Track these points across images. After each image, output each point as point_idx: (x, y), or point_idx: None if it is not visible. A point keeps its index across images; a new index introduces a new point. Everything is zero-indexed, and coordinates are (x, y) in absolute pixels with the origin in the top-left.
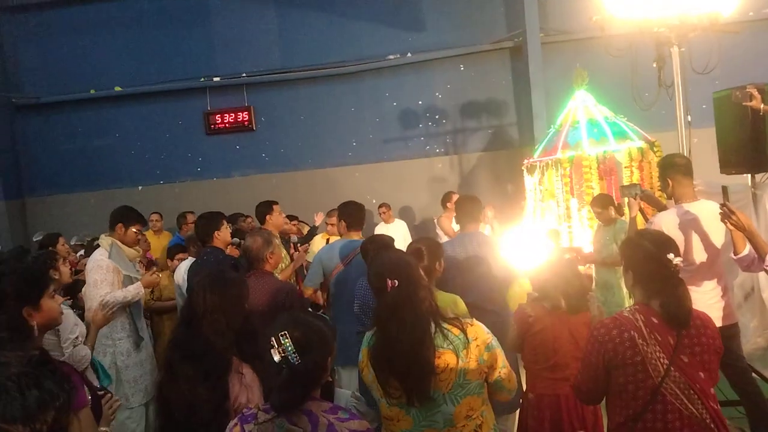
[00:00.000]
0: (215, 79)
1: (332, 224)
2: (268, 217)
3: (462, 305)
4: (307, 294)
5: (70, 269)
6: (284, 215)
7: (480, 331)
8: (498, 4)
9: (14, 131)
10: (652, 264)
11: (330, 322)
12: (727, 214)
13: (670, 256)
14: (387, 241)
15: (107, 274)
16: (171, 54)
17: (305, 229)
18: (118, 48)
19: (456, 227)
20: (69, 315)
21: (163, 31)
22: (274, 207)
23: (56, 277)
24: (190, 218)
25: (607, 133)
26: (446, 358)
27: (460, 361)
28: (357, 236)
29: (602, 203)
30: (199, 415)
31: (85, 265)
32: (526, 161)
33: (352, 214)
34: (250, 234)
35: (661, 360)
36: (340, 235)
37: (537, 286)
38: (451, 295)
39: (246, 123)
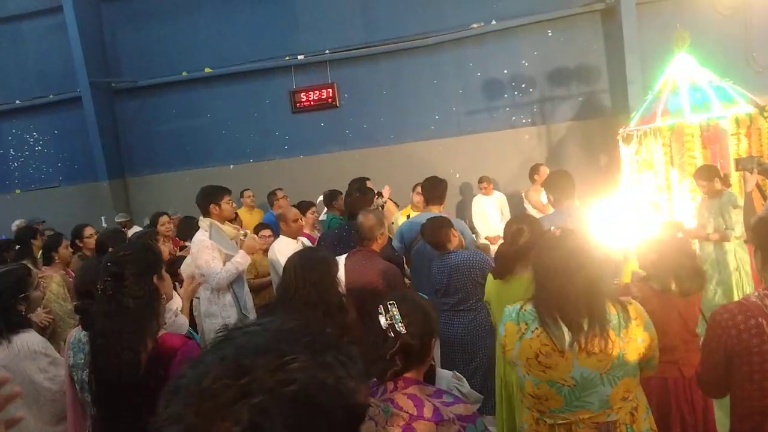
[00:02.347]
0: (299, 57)
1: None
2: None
3: None
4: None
5: (173, 247)
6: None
7: (639, 310)
8: None
9: (114, 115)
10: None
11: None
12: None
13: None
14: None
15: (213, 253)
16: (257, 34)
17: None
18: (207, 30)
19: (545, 201)
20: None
21: (249, 11)
22: (367, 183)
23: None
24: (280, 194)
25: (711, 98)
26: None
27: (620, 341)
28: (437, 210)
29: (707, 175)
30: None
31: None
32: (621, 130)
33: (430, 189)
34: (364, 211)
35: None
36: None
37: (645, 266)
38: None
39: (330, 100)
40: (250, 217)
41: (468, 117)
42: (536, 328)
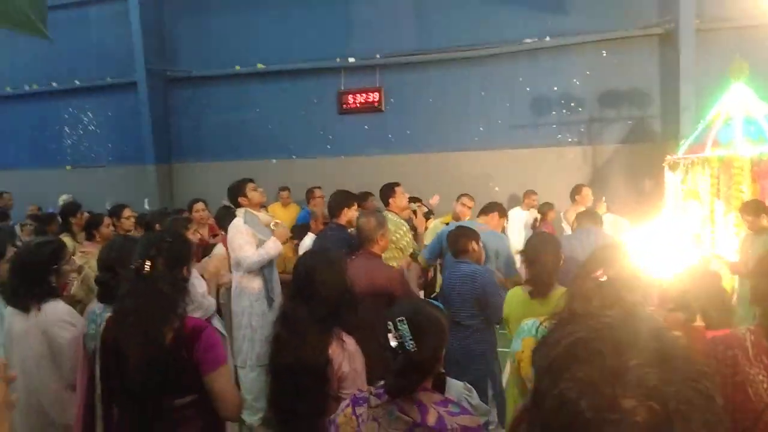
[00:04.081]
0: (350, 59)
1: (468, 207)
2: (391, 199)
3: None
4: (422, 265)
5: (210, 234)
6: (407, 196)
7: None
8: None
9: (167, 102)
10: None
11: (439, 305)
12: None
13: None
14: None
15: (247, 237)
16: (311, 34)
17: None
18: (263, 27)
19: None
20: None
21: (306, 11)
22: (397, 189)
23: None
24: (318, 193)
25: (765, 131)
26: None
27: None
28: (483, 222)
29: (754, 210)
30: (304, 380)
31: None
32: (668, 157)
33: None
34: (364, 214)
35: (764, 385)
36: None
37: (674, 295)
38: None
39: (376, 103)
40: (285, 213)
41: (513, 131)
42: None
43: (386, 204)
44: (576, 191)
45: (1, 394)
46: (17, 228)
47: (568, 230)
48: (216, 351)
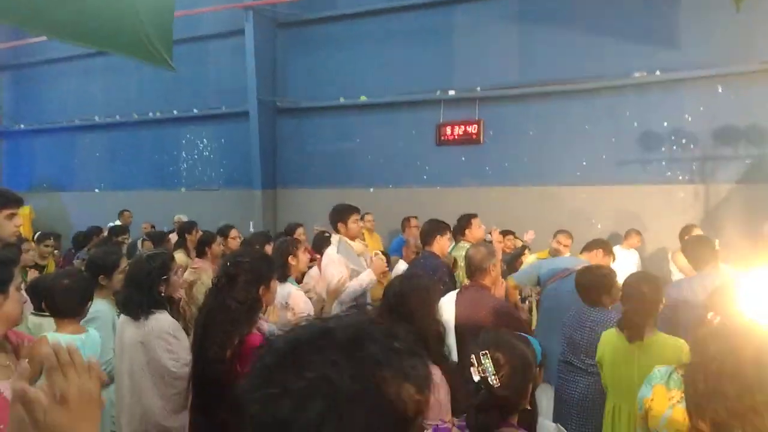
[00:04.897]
0: (450, 92)
1: (565, 245)
2: (467, 231)
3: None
4: (509, 284)
5: (310, 258)
6: (483, 228)
7: None
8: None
9: (275, 130)
10: None
11: (534, 339)
12: None
13: None
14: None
15: (340, 268)
16: (412, 68)
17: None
18: (367, 61)
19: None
20: (300, 296)
21: (408, 46)
22: (473, 220)
23: (293, 263)
24: (413, 222)
25: None
26: None
27: None
28: (585, 258)
29: None
30: None
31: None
32: None
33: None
34: (474, 244)
35: None
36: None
37: None
38: (677, 339)
39: (474, 136)
40: (369, 240)
41: (619, 167)
42: None
43: (462, 234)
44: (686, 232)
45: (92, 392)
46: (139, 243)
47: (676, 273)
48: None
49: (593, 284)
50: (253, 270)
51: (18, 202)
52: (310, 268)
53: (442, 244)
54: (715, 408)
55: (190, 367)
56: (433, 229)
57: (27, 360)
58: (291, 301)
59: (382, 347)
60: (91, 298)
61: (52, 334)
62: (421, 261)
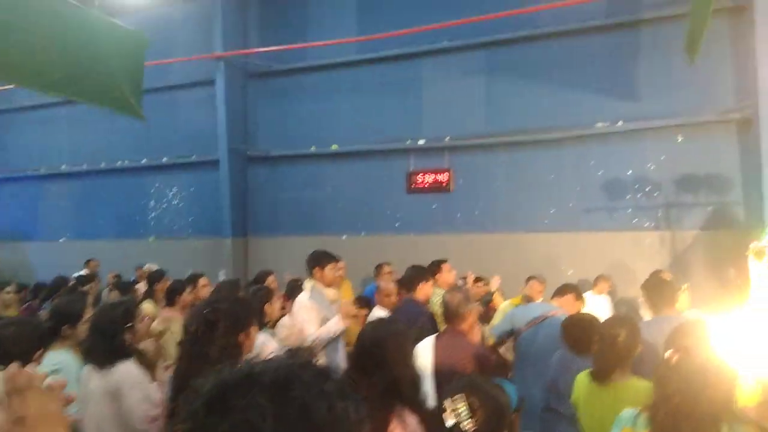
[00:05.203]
0: (420, 141)
1: (539, 291)
2: (438, 276)
3: None
4: (489, 343)
5: (282, 306)
6: (454, 273)
7: None
8: (725, 72)
9: (246, 179)
10: None
11: (510, 385)
12: None
13: None
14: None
15: (310, 314)
16: (384, 117)
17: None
18: (338, 111)
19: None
20: (273, 346)
21: (379, 97)
22: (443, 266)
23: (269, 311)
24: (386, 269)
25: None
26: None
27: None
28: (557, 304)
29: None
30: None
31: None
32: (753, 245)
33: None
34: (449, 289)
35: None
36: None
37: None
38: (648, 382)
39: (444, 184)
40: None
41: (586, 214)
42: None
43: (434, 280)
44: (653, 277)
45: (52, 411)
46: (105, 292)
47: (647, 317)
48: None
49: (584, 333)
50: (233, 315)
51: None
52: (281, 317)
53: (426, 290)
54: None
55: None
56: (416, 275)
57: None
58: (263, 351)
59: (309, 389)
60: (39, 347)
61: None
62: (403, 308)
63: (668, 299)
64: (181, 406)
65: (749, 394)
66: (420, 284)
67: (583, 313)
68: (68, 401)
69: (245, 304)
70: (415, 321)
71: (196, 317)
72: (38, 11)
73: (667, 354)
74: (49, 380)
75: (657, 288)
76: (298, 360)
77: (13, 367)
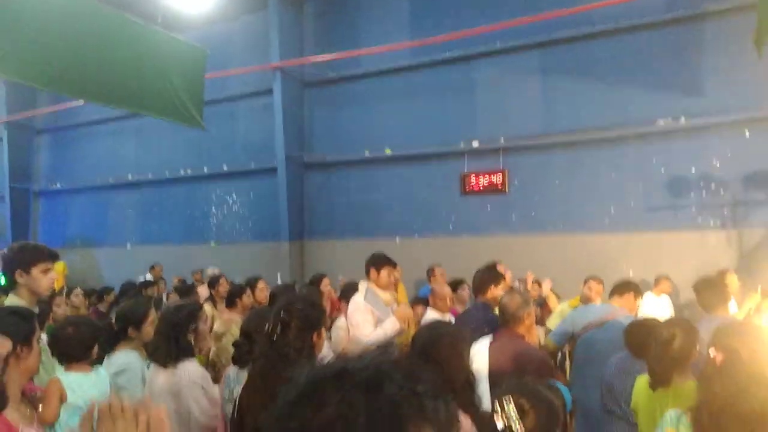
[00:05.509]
0: (474, 143)
1: (597, 292)
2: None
3: None
4: (549, 349)
5: (337, 308)
6: (509, 273)
7: None
8: None
9: (302, 185)
10: None
11: (568, 390)
12: None
13: None
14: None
15: (366, 315)
16: (437, 120)
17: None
18: (391, 115)
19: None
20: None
21: (431, 100)
22: (499, 267)
23: None
24: (438, 271)
25: None
26: None
27: None
28: (617, 304)
29: None
30: None
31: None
32: None
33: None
34: (508, 292)
35: None
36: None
37: None
38: None
39: (500, 186)
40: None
41: (647, 213)
42: None
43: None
44: (719, 277)
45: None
46: (164, 296)
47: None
48: None
49: (647, 337)
50: (307, 317)
51: (53, 257)
52: (335, 319)
53: (496, 294)
54: None
55: (221, 419)
56: (487, 278)
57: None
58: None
59: (401, 389)
60: (94, 344)
61: (60, 373)
62: (473, 312)
63: (720, 299)
64: (278, 398)
65: None
66: (491, 287)
67: (648, 318)
68: (163, 425)
69: (317, 307)
70: (481, 327)
71: (272, 318)
72: (106, 30)
73: (711, 354)
74: (142, 414)
75: (709, 288)
76: (390, 357)
77: (113, 397)
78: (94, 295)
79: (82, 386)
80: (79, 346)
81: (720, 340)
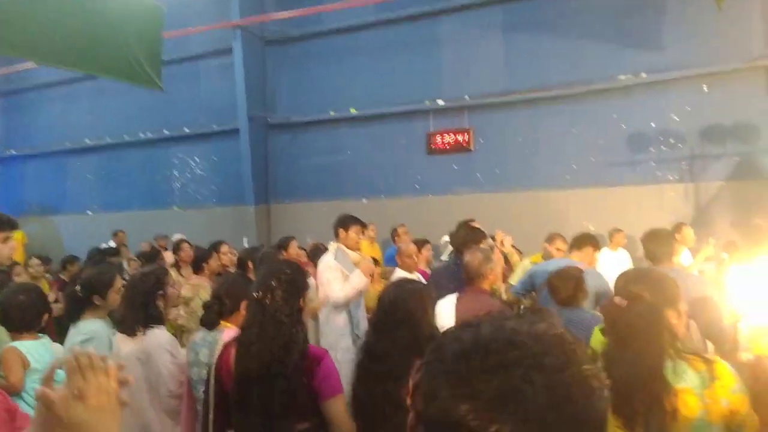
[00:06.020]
0: (439, 101)
1: (559, 249)
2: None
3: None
4: (509, 298)
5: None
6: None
7: (726, 372)
8: (753, 19)
9: (266, 146)
10: None
11: None
12: None
13: None
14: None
15: (335, 273)
16: (401, 79)
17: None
18: (356, 74)
19: (685, 263)
20: None
21: (396, 58)
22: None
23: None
24: (401, 230)
25: None
26: (684, 397)
27: (700, 402)
28: (577, 258)
29: None
30: (380, 409)
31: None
32: None
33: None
34: (470, 249)
35: None
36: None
37: None
38: None
39: (465, 144)
40: (370, 250)
41: (608, 169)
42: None
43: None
44: (676, 230)
45: (109, 389)
46: (124, 263)
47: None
48: (333, 378)
49: (566, 282)
50: (294, 281)
51: (12, 226)
52: None
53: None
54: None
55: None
56: (470, 237)
57: None
58: None
59: (578, 371)
60: (45, 312)
61: (14, 343)
62: (452, 268)
63: (665, 251)
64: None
65: (747, 340)
66: (473, 246)
67: (568, 267)
68: (126, 382)
69: (302, 272)
70: (453, 281)
71: (261, 284)
72: None
73: (616, 300)
74: (111, 364)
75: (654, 240)
76: (551, 330)
77: (76, 349)
78: (50, 263)
79: (39, 351)
80: (32, 313)
81: (623, 287)
